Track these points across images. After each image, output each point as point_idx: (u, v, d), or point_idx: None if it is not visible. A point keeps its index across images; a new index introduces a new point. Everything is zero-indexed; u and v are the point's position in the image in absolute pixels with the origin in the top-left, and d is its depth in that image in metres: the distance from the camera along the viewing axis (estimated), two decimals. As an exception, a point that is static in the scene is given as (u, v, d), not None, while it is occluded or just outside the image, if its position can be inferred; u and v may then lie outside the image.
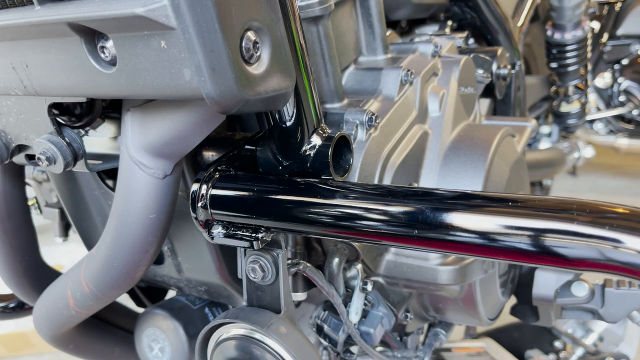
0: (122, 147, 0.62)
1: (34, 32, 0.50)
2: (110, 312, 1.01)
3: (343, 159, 0.65)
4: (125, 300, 1.01)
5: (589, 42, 1.84)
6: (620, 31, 2.31)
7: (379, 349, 0.97)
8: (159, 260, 0.90)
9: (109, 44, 0.48)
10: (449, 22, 1.26)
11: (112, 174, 0.85)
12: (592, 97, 2.38)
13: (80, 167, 0.66)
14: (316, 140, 0.62)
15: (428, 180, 0.86)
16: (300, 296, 0.82)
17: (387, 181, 0.77)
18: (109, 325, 1.02)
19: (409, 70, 0.83)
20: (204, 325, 0.71)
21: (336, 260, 0.76)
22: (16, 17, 0.49)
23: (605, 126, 2.44)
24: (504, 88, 1.15)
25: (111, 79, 0.49)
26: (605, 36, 2.33)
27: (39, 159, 0.63)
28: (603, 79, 2.33)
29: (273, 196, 0.58)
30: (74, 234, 1.08)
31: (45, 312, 0.82)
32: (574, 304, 0.94)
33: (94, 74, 0.50)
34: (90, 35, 0.48)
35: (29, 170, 1.16)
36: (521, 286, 1.03)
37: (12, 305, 1.18)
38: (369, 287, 0.80)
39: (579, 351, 1.48)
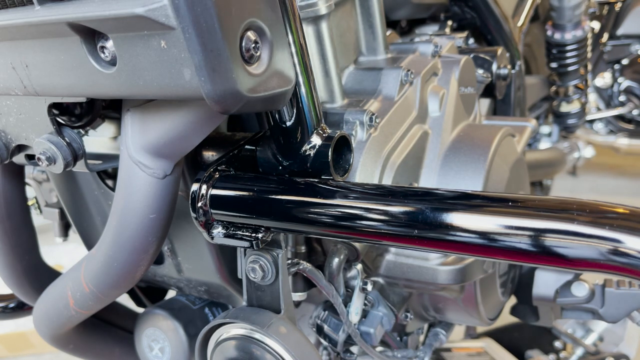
0: (122, 147, 0.61)
1: (34, 32, 0.50)
2: (110, 312, 1.01)
3: (343, 159, 0.65)
4: (125, 300, 1.01)
5: (589, 42, 1.84)
6: (620, 31, 2.31)
7: (379, 349, 0.97)
8: (159, 260, 0.90)
9: (109, 44, 0.48)
10: (449, 22, 1.26)
11: (112, 174, 0.85)
12: (592, 97, 2.38)
13: (80, 167, 0.66)
14: (316, 140, 0.62)
15: (428, 180, 0.86)
16: (300, 296, 0.82)
17: (387, 181, 0.77)
18: (109, 325, 1.02)
19: (409, 70, 0.83)
20: (204, 325, 0.71)
21: (336, 260, 0.76)
22: (16, 17, 0.49)
23: (605, 126, 2.44)
24: (504, 88, 1.15)
25: (111, 79, 0.49)
26: (605, 36, 2.33)
27: (39, 159, 0.63)
28: (603, 79, 2.33)
29: (273, 196, 0.58)
30: (74, 234, 1.08)
31: (45, 312, 0.82)
32: (574, 304, 0.94)
33: (94, 74, 0.50)
34: (90, 35, 0.48)
35: (29, 170, 1.16)
36: (521, 286, 1.03)
37: (12, 305, 1.18)
38: (369, 287, 0.80)
39: (579, 351, 1.48)
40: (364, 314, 0.84)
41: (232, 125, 0.80)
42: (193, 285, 0.91)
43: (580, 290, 0.93)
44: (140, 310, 1.01)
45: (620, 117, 2.38)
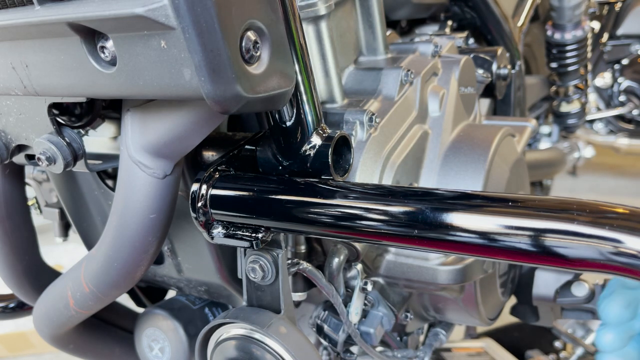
0: (122, 147, 0.61)
1: (34, 32, 0.51)
2: (110, 312, 1.01)
3: (343, 159, 0.65)
4: (125, 300, 1.01)
5: (589, 42, 1.84)
6: (620, 31, 2.31)
7: (379, 349, 0.97)
8: (159, 260, 0.90)
9: (109, 44, 0.48)
10: (449, 22, 1.26)
11: (112, 174, 0.85)
12: (592, 97, 2.38)
13: (80, 167, 0.66)
14: (316, 140, 0.62)
15: (428, 180, 0.86)
16: (300, 296, 0.82)
17: (387, 181, 0.77)
18: (109, 325, 1.02)
19: (409, 70, 0.83)
20: (204, 325, 0.71)
21: (336, 260, 0.76)
22: (16, 17, 0.49)
23: (605, 126, 2.44)
24: (504, 88, 1.15)
25: (111, 79, 0.49)
26: (605, 36, 2.33)
27: (39, 159, 0.63)
28: (603, 79, 2.33)
29: (273, 196, 0.58)
30: (74, 234, 1.08)
31: (45, 312, 0.82)
32: (574, 304, 0.94)
33: (94, 74, 0.50)
34: (90, 35, 0.48)
35: (29, 170, 1.16)
36: (521, 286, 1.03)
37: (12, 305, 1.18)
38: (369, 287, 0.80)
39: (579, 351, 1.48)
40: (364, 314, 0.84)
41: (232, 125, 0.80)
42: (193, 285, 0.91)
43: (580, 290, 0.93)
44: (140, 310, 1.02)
45: (620, 117, 2.38)
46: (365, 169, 0.74)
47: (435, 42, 0.94)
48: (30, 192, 1.06)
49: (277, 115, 0.61)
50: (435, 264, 0.81)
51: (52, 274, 1.02)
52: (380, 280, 0.86)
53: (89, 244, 0.96)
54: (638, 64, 2.30)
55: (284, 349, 0.64)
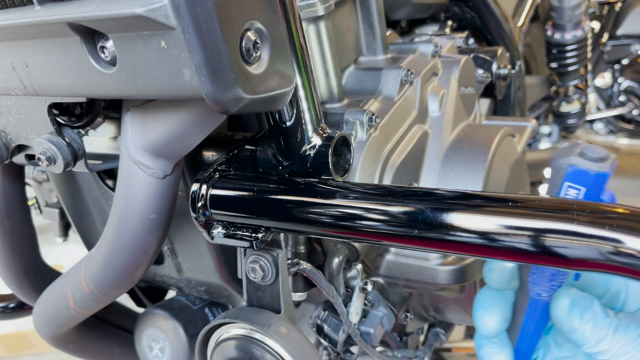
0: (122, 147, 0.61)
1: (34, 32, 0.50)
2: (110, 312, 1.01)
3: (343, 159, 0.65)
4: (125, 300, 1.01)
5: (589, 42, 1.84)
6: (620, 31, 2.31)
7: (379, 349, 0.97)
8: (159, 260, 0.90)
9: (109, 44, 0.48)
10: (449, 22, 1.26)
11: (112, 174, 0.85)
12: (592, 97, 2.38)
13: (80, 167, 0.66)
14: (316, 140, 0.61)
15: (428, 180, 0.86)
16: (300, 296, 0.82)
17: (387, 181, 0.77)
18: (109, 325, 1.02)
19: (409, 70, 0.83)
20: (204, 325, 0.71)
21: (336, 260, 0.76)
22: (16, 17, 0.49)
23: (605, 126, 2.44)
24: (504, 88, 1.15)
25: (111, 79, 0.49)
26: (605, 36, 2.33)
27: (39, 159, 0.63)
28: (603, 79, 2.33)
29: (273, 196, 0.58)
30: (74, 234, 1.08)
31: (45, 312, 0.82)
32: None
33: (94, 74, 0.50)
34: (90, 35, 0.48)
35: (29, 170, 1.17)
36: (521, 286, 1.03)
37: (12, 305, 1.18)
38: (369, 287, 0.80)
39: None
40: (364, 314, 0.84)
41: (232, 125, 0.80)
42: (193, 285, 0.91)
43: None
44: (140, 310, 1.02)
45: (620, 117, 2.38)
46: (365, 169, 0.74)
47: (435, 42, 0.94)
48: (30, 192, 1.06)
49: (277, 116, 0.61)
50: (435, 264, 0.81)
51: (52, 274, 1.02)
52: (380, 280, 0.86)
53: (89, 244, 0.96)
54: (638, 64, 2.30)
55: (284, 349, 0.63)
